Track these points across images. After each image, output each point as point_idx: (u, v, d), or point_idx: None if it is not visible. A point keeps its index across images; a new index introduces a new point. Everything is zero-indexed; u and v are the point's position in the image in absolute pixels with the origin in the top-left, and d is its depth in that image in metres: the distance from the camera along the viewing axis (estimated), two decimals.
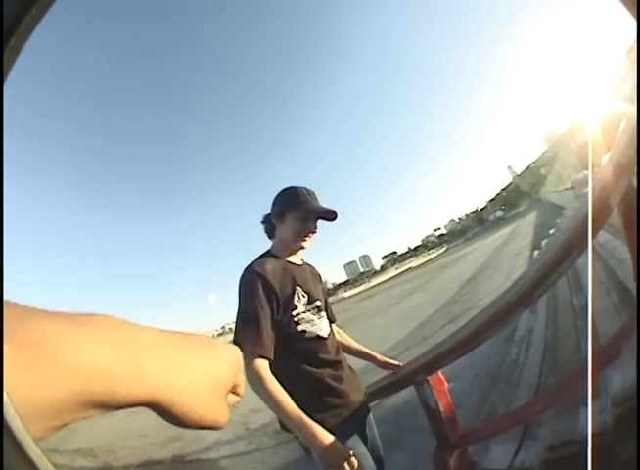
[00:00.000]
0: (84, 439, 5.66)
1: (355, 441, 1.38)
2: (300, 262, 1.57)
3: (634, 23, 0.58)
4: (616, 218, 1.31)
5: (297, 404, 1.23)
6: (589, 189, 1.07)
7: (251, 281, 1.34)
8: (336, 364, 1.44)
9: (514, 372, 2.84)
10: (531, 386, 2.30)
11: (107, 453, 4.45)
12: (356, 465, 1.20)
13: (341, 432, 1.29)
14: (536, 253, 7.13)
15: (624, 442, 1.12)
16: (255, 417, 4.84)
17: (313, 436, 1.19)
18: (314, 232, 1.51)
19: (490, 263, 12.64)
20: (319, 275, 1.67)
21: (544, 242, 7.59)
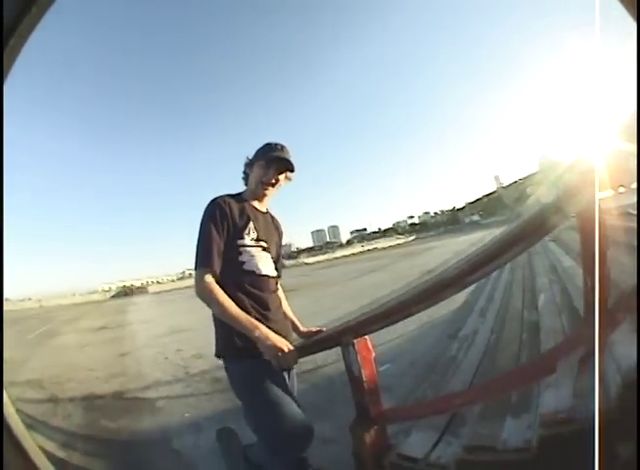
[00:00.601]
0: (36, 369, 5.67)
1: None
2: (264, 210, 1.73)
3: (634, 23, 0.60)
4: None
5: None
6: (596, 213, 1.04)
7: (211, 209, 1.53)
8: (266, 303, 1.58)
9: (450, 367, 2.91)
10: (464, 383, 2.34)
11: (54, 385, 4.47)
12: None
13: (259, 363, 1.44)
14: None
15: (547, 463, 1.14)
16: (197, 363, 4.90)
17: (265, 337, 1.38)
18: (273, 180, 1.65)
19: (454, 261, 12.94)
20: (279, 228, 1.82)
21: None
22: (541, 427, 1.22)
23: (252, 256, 1.56)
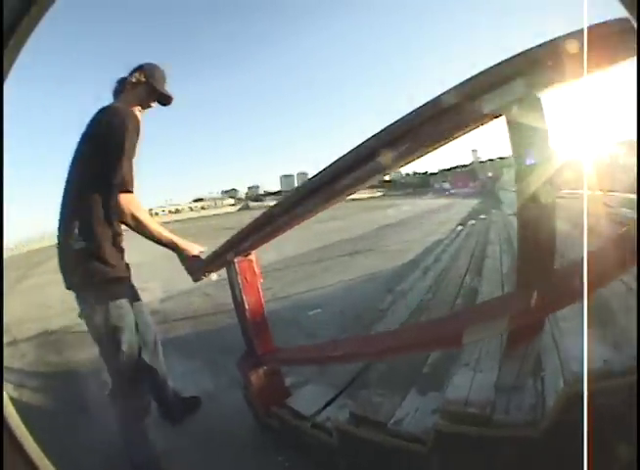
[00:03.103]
0: (5, 315, 5.30)
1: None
2: None
3: (634, 23, 0.58)
4: None
5: None
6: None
7: (132, 120, 1.41)
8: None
9: (378, 320, 2.73)
10: None
11: (16, 327, 4.41)
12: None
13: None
14: (459, 228, 7.38)
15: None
16: None
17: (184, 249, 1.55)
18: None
19: (413, 221, 12.93)
20: None
21: (471, 222, 7.93)
22: (442, 419, 0.94)
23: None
